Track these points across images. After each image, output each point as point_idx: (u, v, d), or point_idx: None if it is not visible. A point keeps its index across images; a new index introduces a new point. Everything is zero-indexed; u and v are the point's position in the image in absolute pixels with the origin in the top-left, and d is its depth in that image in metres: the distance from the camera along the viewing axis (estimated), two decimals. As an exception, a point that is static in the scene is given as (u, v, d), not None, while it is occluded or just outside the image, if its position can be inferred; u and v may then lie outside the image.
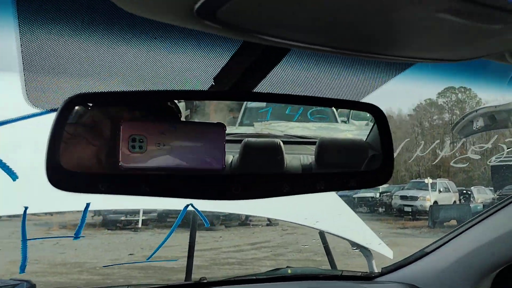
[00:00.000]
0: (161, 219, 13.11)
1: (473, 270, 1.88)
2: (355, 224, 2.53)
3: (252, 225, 13.55)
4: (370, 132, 1.82)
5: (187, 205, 1.61)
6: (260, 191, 0.70)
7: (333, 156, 0.98)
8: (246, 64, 0.71)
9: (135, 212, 12.21)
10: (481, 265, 1.86)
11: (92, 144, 0.66)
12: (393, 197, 14.02)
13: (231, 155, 0.86)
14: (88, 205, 1.21)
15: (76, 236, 1.39)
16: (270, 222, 14.08)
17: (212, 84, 0.80)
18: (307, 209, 2.38)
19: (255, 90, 0.78)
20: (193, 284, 2.00)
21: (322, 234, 2.52)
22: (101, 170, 0.69)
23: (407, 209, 13.11)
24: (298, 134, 2.51)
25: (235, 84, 0.75)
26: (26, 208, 1.17)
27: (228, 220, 13.39)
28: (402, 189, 14.46)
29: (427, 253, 2.08)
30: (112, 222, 12.20)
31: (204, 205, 2.34)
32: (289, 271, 2.15)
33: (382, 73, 0.84)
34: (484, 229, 1.90)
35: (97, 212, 13.18)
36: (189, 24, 0.47)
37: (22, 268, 1.40)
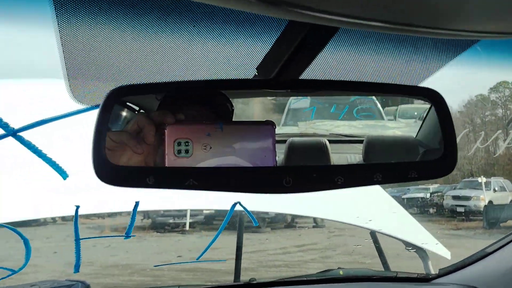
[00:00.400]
0: (208, 222, 13.23)
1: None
2: (409, 223, 2.43)
3: (298, 227, 13.43)
4: (420, 129, 1.74)
5: (235, 203, 1.58)
6: (312, 183, 0.65)
7: (382, 154, 0.91)
8: (291, 49, 0.66)
9: (183, 215, 12.40)
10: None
11: (137, 152, 0.64)
12: (445, 197, 13.51)
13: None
14: (137, 203, 1.21)
15: (127, 236, 1.39)
16: (317, 224, 13.90)
17: (255, 75, 0.76)
18: (357, 209, 2.31)
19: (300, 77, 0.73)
20: (243, 285, 1.98)
21: (373, 234, 2.43)
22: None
23: (459, 209, 12.59)
24: (344, 133, 2.44)
25: (279, 73, 0.71)
26: (77, 207, 1.18)
27: (274, 222, 13.33)
28: (454, 188, 13.90)
29: (488, 254, 1.95)
30: (161, 225, 12.45)
31: (252, 205, 2.30)
32: (341, 273, 2.09)
33: (441, 53, 0.77)
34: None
35: (146, 215, 13.49)
36: (232, 3, 0.44)
37: (77, 268, 1.42)
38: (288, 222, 13.66)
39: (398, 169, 0.68)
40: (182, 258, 9.46)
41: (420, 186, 14.77)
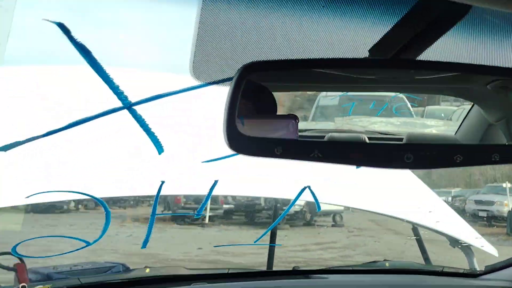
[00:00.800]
0: (227, 216, 13.34)
1: None
2: (451, 219, 2.43)
3: (317, 225, 13.43)
4: (460, 127, 1.74)
5: (304, 188, 1.61)
6: (432, 160, 0.68)
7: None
8: (415, 30, 0.69)
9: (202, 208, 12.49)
10: None
11: None
12: (467, 201, 13.34)
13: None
14: (215, 182, 1.24)
15: (198, 214, 1.43)
16: (336, 223, 13.88)
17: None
18: (396, 203, 2.32)
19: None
20: (290, 270, 2.01)
21: (415, 229, 2.44)
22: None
23: (482, 214, 12.42)
24: (381, 130, 2.45)
25: (396, 54, 0.74)
26: (162, 182, 1.22)
27: (292, 220, 13.36)
28: (477, 193, 13.73)
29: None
30: (181, 217, 12.57)
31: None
32: (387, 264, 2.10)
33: None
34: None
35: (166, 207, 13.65)
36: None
37: (145, 243, 1.46)
38: (307, 220, 13.65)
39: (482, 151, 0.71)
40: (202, 251, 9.54)
41: (441, 189, 14.60)
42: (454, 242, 2.23)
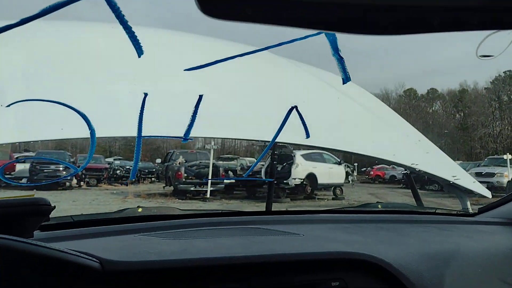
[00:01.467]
0: (228, 191, 13.39)
1: None
2: (445, 162, 2.40)
3: (318, 198, 13.48)
4: None
5: (292, 108, 1.53)
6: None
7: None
8: None
9: (204, 183, 12.54)
10: None
11: None
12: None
13: None
14: (200, 97, 1.18)
15: (185, 138, 1.37)
16: (336, 196, 13.94)
17: None
18: (392, 147, 2.27)
19: None
20: (282, 211, 2.00)
21: (408, 175, 2.41)
22: None
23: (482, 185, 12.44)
24: None
25: None
26: (145, 94, 1.15)
27: (293, 194, 13.41)
28: (478, 166, 13.73)
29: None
30: (182, 192, 12.62)
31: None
32: (379, 206, 2.08)
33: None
34: None
35: (168, 183, 13.72)
36: None
37: (133, 174, 1.42)
38: (308, 193, 13.71)
39: None
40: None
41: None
42: (449, 185, 2.20)
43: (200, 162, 13.95)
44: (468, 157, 15.56)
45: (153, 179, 17.32)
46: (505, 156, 13.17)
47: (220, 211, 1.83)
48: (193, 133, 1.52)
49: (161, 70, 1.47)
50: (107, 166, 16.81)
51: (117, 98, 1.51)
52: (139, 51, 0.98)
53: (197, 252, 1.18)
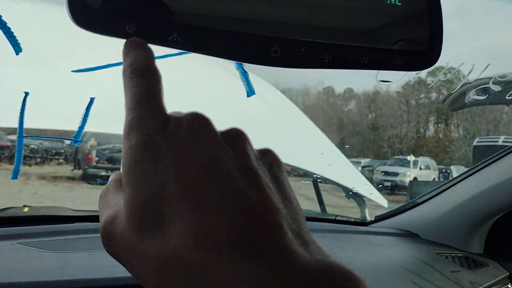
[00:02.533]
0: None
1: (471, 217, 1.85)
2: (349, 171, 2.48)
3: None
4: None
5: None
6: (300, 58, 0.61)
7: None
8: None
9: (117, 168, 12.07)
10: (480, 211, 1.83)
11: None
12: (375, 171, 14.17)
13: None
14: (92, 100, 1.08)
15: (75, 140, 1.25)
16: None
17: None
18: (296, 152, 2.30)
19: None
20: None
21: (315, 181, 2.46)
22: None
23: (387, 184, 13.28)
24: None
25: None
26: (26, 93, 1.03)
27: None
28: (384, 164, 14.61)
29: (420, 203, 2.05)
30: (92, 177, 12.07)
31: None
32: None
33: None
34: (484, 176, 1.86)
35: (76, 166, 13.03)
36: None
37: (15, 174, 1.27)
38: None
39: (384, 55, 0.64)
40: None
41: (352, 159, 15.38)
42: (349, 193, 2.27)
43: (114, 146, 13.42)
44: (376, 156, 16.54)
45: (60, 160, 16.38)
46: (408, 157, 14.17)
47: None
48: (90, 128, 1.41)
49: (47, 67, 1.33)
50: (9, 144, 15.59)
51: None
52: (17, 48, 0.86)
53: (75, 270, 1.09)
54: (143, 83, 0.44)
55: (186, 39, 0.54)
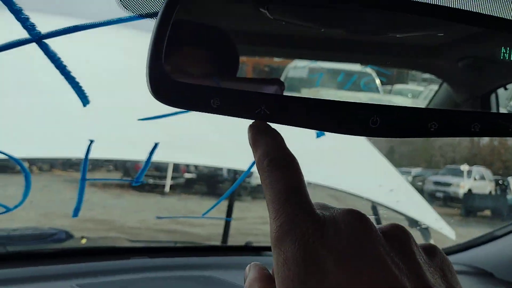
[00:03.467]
0: (189, 185, 13.18)
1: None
2: (413, 199, 2.34)
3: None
4: (432, 100, 1.64)
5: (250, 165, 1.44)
6: (404, 127, 0.54)
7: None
8: None
9: (163, 176, 12.28)
10: None
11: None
12: (426, 181, 13.69)
13: None
14: (156, 145, 1.06)
15: (137, 181, 1.24)
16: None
17: None
18: (355, 178, 2.20)
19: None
20: (243, 246, 1.88)
21: (374, 207, 2.33)
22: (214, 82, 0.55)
23: (439, 194, 12.79)
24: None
25: None
26: (91, 141, 1.03)
27: (255, 192, 13.33)
28: (436, 174, 14.08)
29: (498, 237, 1.88)
30: (140, 185, 12.32)
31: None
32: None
33: None
34: None
35: (125, 174, 13.35)
36: None
37: (76, 212, 1.26)
38: (269, 193, 13.66)
39: (459, 119, 0.58)
40: (160, 219, 9.39)
41: (403, 168, 14.93)
42: (414, 222, 2.13)
43: (162, 154, 13.68)
44: (428, 165, 15.97)
45: (110, 168, 16.89)
46: (462, 167, 13.57)
47: (173, 245, 1.70)
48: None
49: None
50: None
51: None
52: (84, 100, 0.83)
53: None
54: (287, 177, 0.40)
55: (275, 111, 0.50)
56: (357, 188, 2.25)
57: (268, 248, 1.78)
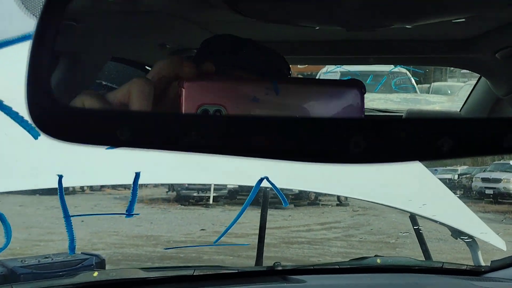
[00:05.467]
0: (232, 196, 13.28)
1: None
2: (456, 208, 2.26)
3: (322, 204, 13.34)
4: (465, 103, 1.56)
5: (261, 179, 1.44)
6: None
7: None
8: None
9: (207, 189, 12.43)
10: None
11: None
12: (474, 179, 13.16)
13: None
14: (137, 175, 1.06)
15: (129, 214, 1.25)
16: (340, 202, 13.78)
17: None
18: (392, 188, 2.15)
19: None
20: (267, 271, 1.86)
21: (413, 218, 2.27)
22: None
23: (488, 191, 12.25)
24: (379, 108, 2.27)
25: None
26: (60, 176, 1.02)
27: (297, 199, 13.27)
28: (484, 171, 13.52)
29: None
30: (185, 198, 12.52)
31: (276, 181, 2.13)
32: (378, 261, 1.95)
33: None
34: None
35: (170, 188, 13.61)
36: None
37: (72, 249, 1.29)
38: (311, 200, 13.56)
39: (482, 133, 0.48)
40: (205, 232, 9.51)
41: (448, 167, 14.41)
42: (457, 233, 2.07)
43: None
44: (474, 162, 15.35)
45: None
46: (511, 162, 12.97)
47: (192, 271, 1.66)
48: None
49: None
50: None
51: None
52: (33, 132, 0.85)
53: None
54: None
55: (225, 139, 0.43)
56: (398, 201, 2.19)
57: (296, 271, 1.73)
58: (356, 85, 0.52)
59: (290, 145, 0.40)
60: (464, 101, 1.66)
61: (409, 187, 2.25)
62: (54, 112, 0.35)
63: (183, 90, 0.46)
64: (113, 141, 0.36)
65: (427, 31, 0.76)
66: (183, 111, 0.44)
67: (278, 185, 1.85)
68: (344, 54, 1.14)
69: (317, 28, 0.77)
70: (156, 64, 0.52)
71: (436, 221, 2.17)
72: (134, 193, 1.15)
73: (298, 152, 0.40)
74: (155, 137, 0.37)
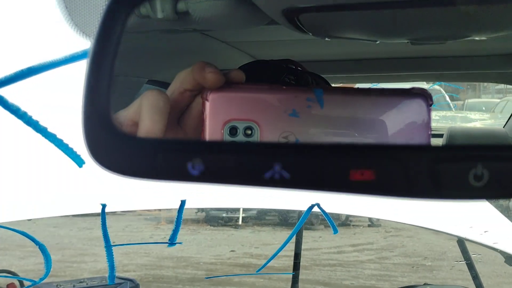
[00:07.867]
0: (261, 217, 13.15)
1: None
2: (507, 231, 2.14)
3: (353, 225, 13.04)
4: (509, 119, 1.49)
5: (313, 206, 1.38)
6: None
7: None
8: None
9: (236, 210, 12.37)
10: None
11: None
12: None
13: None
14: (183, 203, 1.03)
15: (171, 243, 1.21)
16: (372, 223, 13.45)
17: None
18: (435, 211, 2.06)
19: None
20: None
21: (462, 242, 2.16)
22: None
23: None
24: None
25: None
26: (104, 205, 1.00)
27: (325, 220, 13.00)
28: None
29: None
30: (214, 219, 12.50)
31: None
32: (428, 289, 1.84)
33: None
34: None
35: (200, 209, 13.61)
36: None
37: (112, 278, 1.25)
38: (342, 220, 13.29)
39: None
40: (234, 253, 9.45)
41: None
42: (510, 259, 1.95)
43: (232, 187, 13.82)
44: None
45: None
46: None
47: None
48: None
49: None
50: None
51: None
52: (78, 160, 0.83)
53: None
54: None
55: (293, 170, 0.38)
56: (444, 225, 2.10)
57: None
58: (422, 94, 0.44)
59: (404, 180, 0.34)
60: (508, 118, 1.58)
61: (459, 210, 2.15)
62: (115, 144, 0.31)
63: (207, 103, 0.40)
64: (185, 176, 0.31)
65: (480, 46, 0.72)
66: (207, 128, 0.40)
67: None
68: (400, 71, 1.10)
69: (378, 42, 0.72)
70: (177, 75, 0.47)
71: (488, 246, 2.05)
72: (178, 221, 1.12)
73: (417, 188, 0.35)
74: (231, 172, 0.33)
